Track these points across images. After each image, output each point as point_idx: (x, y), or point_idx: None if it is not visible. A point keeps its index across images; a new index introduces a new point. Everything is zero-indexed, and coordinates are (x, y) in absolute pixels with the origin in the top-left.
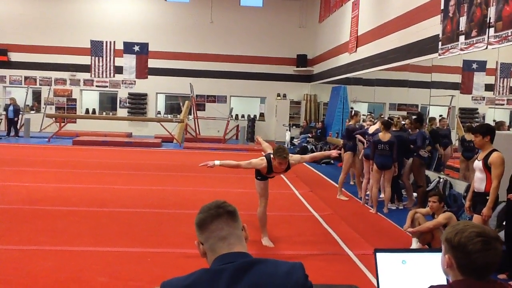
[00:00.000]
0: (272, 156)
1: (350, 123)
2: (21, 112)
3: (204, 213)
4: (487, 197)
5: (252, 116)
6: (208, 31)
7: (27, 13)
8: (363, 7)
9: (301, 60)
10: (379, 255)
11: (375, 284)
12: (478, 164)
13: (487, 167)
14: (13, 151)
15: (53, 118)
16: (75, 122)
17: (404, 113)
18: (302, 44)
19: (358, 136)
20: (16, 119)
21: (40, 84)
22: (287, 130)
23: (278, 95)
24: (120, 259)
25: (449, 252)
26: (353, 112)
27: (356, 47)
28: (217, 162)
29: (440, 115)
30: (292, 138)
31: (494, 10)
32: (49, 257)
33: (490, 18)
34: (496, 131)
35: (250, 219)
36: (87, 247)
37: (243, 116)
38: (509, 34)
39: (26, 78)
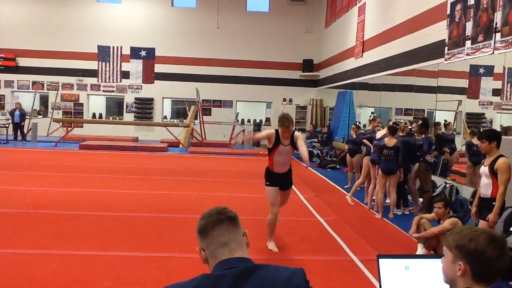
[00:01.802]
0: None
1: (368, 128)
2: (27, 117)
3: (205, 219)
4: (494, 203)
5: (258, 121)
6: (214, 36)
7: (35, 19)
8: (369, 12)
9: (307, 65)
10: (381, 261)
11: None
12: (484, 169)
13: (493, 173)
14: (20, 155)
15: (60, 123)
16: (82, 126)
17: (411, 118)
18: (308, 49)
19: (365, 141)
20: (22, 123)
21: (48, 89)
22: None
23: (284, 100)
24: (125, 263)
25: (463, 259)
26: (371, 117)
27: (362, 52)
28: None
29: (445, 120)
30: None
31: (500, 15)
32: (55, 261)
33: (496, 23)
34: (503, 136)
35: (255, 223)
36: (93, 251)
37: (249, 120)
38: None
39: (33, 83)
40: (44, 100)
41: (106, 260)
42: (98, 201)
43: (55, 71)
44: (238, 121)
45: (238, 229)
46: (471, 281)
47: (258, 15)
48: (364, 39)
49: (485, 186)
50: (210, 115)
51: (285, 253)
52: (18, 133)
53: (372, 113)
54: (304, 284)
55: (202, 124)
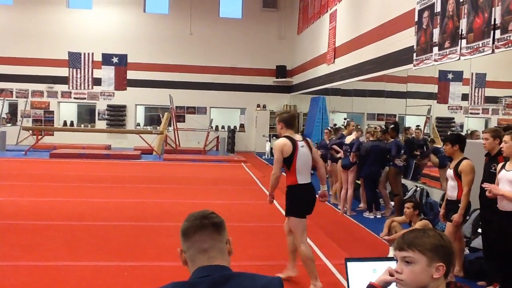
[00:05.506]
0: None
1: (343, 132)
2: None
3: (189, 222)
4: (459, 205)
5: (232, 127)
6: (187, 43)
7: (3, 25)
8: (340, 19)
9: (281, 71)
10: (350, 265)
11: None
12: (449, 172)
13: (458, 175)
14: None
15: (30, 131)
16: (52, 134)
17: (383, 123)
18: (281, 55)
19: (334, 147)
20: None
21: (17, 96)
22: (267, 141)
23: (258, 106)
24: (97, 273)
25: (441, 259)
26: (345, 123)
27: (334, 58)
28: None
29: (417, 126)
30: (272, 149)
31: (465, 22)
32: (23, 272)
33: (462, 30)
34: (468, 140)
35: (229, 230)
36: (63, 262)
37: (223, 127)
38: (480, 45)
39: (2, 90)
40: (13, 108)
41: (77, 270)
42: (69, 211)
43: (24, 78)
44: (212, 127)
45: (222, 237)
46: (443, 278)
47: (231, 21)
48: (336, 45)
49: (451, 189)
50: (184, 121)
51: (260, 259)
52: None
53: (345, 118)
54: None
55: (176, 131)
